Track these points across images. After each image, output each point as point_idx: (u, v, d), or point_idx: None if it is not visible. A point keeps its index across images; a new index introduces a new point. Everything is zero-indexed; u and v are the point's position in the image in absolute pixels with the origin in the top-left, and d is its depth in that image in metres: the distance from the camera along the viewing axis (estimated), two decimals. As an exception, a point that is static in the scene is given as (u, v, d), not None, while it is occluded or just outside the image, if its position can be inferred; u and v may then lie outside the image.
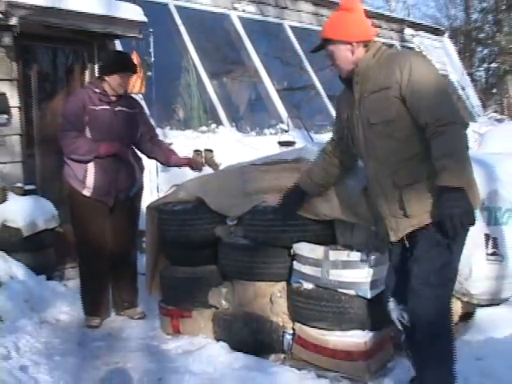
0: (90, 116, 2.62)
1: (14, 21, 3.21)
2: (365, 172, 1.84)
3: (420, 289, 1.65)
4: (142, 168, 2.84)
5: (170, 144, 3.03)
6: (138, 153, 2.85)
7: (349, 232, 2.15)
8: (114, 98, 2.67)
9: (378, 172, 1.73)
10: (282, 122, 5.77)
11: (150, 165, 3.63)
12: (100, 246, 2.70)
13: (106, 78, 2.64)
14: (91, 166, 2.61)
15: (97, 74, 2.83)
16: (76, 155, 2.62)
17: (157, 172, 4.09)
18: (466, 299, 2.33)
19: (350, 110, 1.78)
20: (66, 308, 2.89)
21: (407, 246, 1.72)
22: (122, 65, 2.67)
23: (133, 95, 3.18)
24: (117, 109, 2.67)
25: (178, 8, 5.63)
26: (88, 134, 2.63)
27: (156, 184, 4.03)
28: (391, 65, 1.67)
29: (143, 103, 4.63)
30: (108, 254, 2.73)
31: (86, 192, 2.64)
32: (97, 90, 2.65)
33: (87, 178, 2.61)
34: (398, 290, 1.78)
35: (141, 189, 2.86)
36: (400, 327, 1.81)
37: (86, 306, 2.77)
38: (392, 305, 1.80)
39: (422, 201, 1.65)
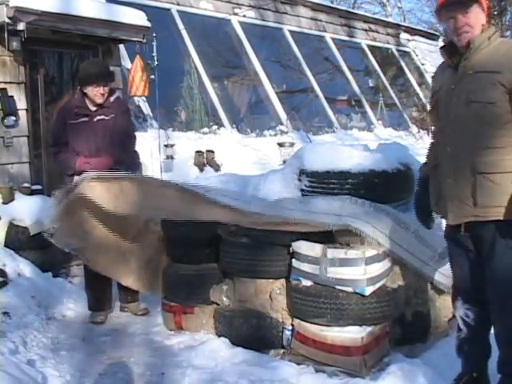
0: (70, 130, 2.70)
1: (21, 26, 3.30)
2: (439, 148, 1.78)
3: (502, 298, 1.64)
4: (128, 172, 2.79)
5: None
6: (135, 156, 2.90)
7: (346, 231, 2.22)
8: (94, 109, 2.71)
9: (458, 152, 1.68)
10: (282, 124, 5.85)
11: (153, 165, 3.70)
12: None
13: (84, 90, 2.70)
14: (76, 178, 2.70)
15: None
16: (60, 168, 2.79)
17: (160, 172, 4.17)
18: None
19: (447, 83, 1.74)
20: (71, 304, 2.95)
21: (462, 233, 1.70)
22: (91, 76, 2.65)
23: (120, 98, 3.11)
24: (96, 119, 2.70)
25: (181, 13, 5.71)
26: (70, 147, 2.72)
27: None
28: (508, 53, 1.65)
29: (146, 106, 4.73)
30: None
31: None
32: (76, 103, 2.71)
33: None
34: (463, 288, 1.79)
35: None
36: (462, 325, 1.82)
37: (91, 301, 2.84)
38: (459, 303, 1.82)
39: (495, 193, 1.62)
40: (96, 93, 2.65)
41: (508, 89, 1.62)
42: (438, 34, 10.99)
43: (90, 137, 2.69)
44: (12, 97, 3.48)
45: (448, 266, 1.95)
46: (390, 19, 11.89)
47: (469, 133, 1.67)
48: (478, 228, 1.69)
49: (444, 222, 1.88)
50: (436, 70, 1.91)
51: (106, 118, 2.73)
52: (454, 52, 1.74)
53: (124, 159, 2.78)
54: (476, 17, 1.70)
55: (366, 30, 8.63)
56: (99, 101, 2.68)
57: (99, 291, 2.83)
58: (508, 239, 1.65)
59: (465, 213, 1.68)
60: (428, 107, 2.02)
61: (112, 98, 2.77)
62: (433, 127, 1.97)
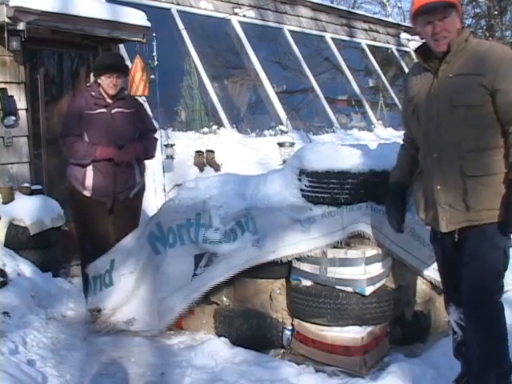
0: (87, 120, 2.68)
1: (21, 26, 3.29)
2: (422, 154, 1.74)
3: (477, 300, 1.61)
4: (142, 169, 2.88)
5: (150, 143, 2.89)
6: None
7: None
8: (110, 101, 2.71)
9: (445, 157, 1.65)
10: (282, 124, 5.85)
11: (154, 165, 3.69)
12: (101, 243, 2.75)
13: (98, 81, 2.72)
14: (90, 169, 2.68)
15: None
16: (74, 159, 2.71)
17: (163, 172, 4.17)
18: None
19: (425, 88, 1.71)
20: (71, 304, 2.94)
21: (456, 239, 1.67)
22: (104, 66, 2.71)
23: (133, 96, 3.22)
24: (114, 111, 2.71)
25: (181, 13, 5.71)
26: (86, 137, 2.70)
27: (161, 184, 4.10)
28: (487, 54, 1.63)
29: (146, 105, 4.74)
30: None
31: (86, 192, 2.71)
32: (93, 94, 2.71)
33: (86, 180, 2.69)
34: (454, 292, 1.76)
35: (142, 189, 2.90)
36: (456, 329, 1.81)
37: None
38: (452, 308, 1.80)
39: (487, 196, 1.60)
40: (109, 83, 2.66)
41: (490, 90, 1.61)
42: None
43: (110, 128, 2.69)
44: (12, 97, 3.47)
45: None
46: (390, 19, 11.89)
47: (454, 137, 1.65)
48: (469, 232, 1.66)
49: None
50: (408, 75, 1.88)
51: (126, 110, 2.74)
52: (429, 56, 1.72)
53: (152, 155, 2.87)
54: (453, 22, 1.67)
55: (366, 30, 8.63)
56: (111, 92, 2.69)
57: None
58: (495, 238, 1.63)
59: (458, 219, 1.66)
60: (403, 113, 1.90)
61: (126, 92, 2.83)
62: (404, 131, 1.95)
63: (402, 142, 1.98)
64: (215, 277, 2.37)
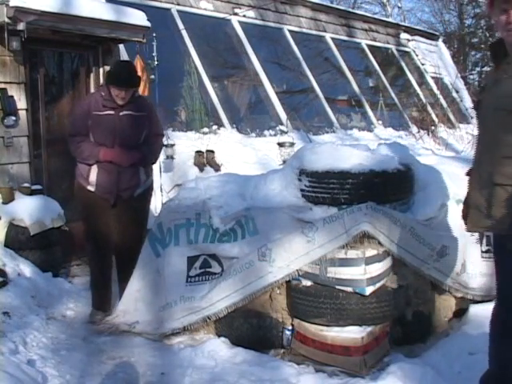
0: (93, 121, 2.70)
1: (21, 26, 3.29)
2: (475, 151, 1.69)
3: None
4: (148, 169, 2.89)
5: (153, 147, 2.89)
6: None
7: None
8: (120, 103, 2.72)
9: (483, 160, 1.60)
10: (282, 124, 5.85)
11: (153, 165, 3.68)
12: (105, 239, 2.77)
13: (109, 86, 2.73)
14: (94, 167, 2.73)
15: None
16: (80, 158, 2.76)
17: (160, 172, 4.17)
18: (460, 295, 2.41)
19: (489, 86, 1.63)
20: (71, 304, 2.95)
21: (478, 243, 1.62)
22: (115, 79, 2.69)
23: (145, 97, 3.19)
24: (122, 113, 2.73)
25: (181, 13, 5.71)
26: (91, 137, 2.72)
27: (159, 184, 4.10)
28: None
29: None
30: (113, 250, 2.82)
31: (90, 187, 2.75)
32: (103, 94, 2.73)
33: (90, 176, 2.73)
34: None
35: (149, 189, 2.92)
36: None
37: (95, 299, 2.84)
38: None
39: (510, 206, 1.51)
40: (117, 94, 2.69)
41: None
42: (437, 34, 11.02)
43: (116, 130, 2.71)
44: (12, 97, 3.48)
45: (447, 264, 1.88)
46: (390, 19, 11.90)
47: (492, 141, 1.57)
48: (503, 242, 1.57)
49: None
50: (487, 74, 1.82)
51: (135, 113, 2.76)
52: (499, 51, 1.60)
53: (153, 162, 2.87)
54: None
55: (366, 30, 8.64)
56: (119, 102, 2.71)
57: (100, 288, 2.83)
58: None
59: (480, 222, 1.61)
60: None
61: (136, 94, 2.81)
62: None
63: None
64: (226, 297, 2.34)
